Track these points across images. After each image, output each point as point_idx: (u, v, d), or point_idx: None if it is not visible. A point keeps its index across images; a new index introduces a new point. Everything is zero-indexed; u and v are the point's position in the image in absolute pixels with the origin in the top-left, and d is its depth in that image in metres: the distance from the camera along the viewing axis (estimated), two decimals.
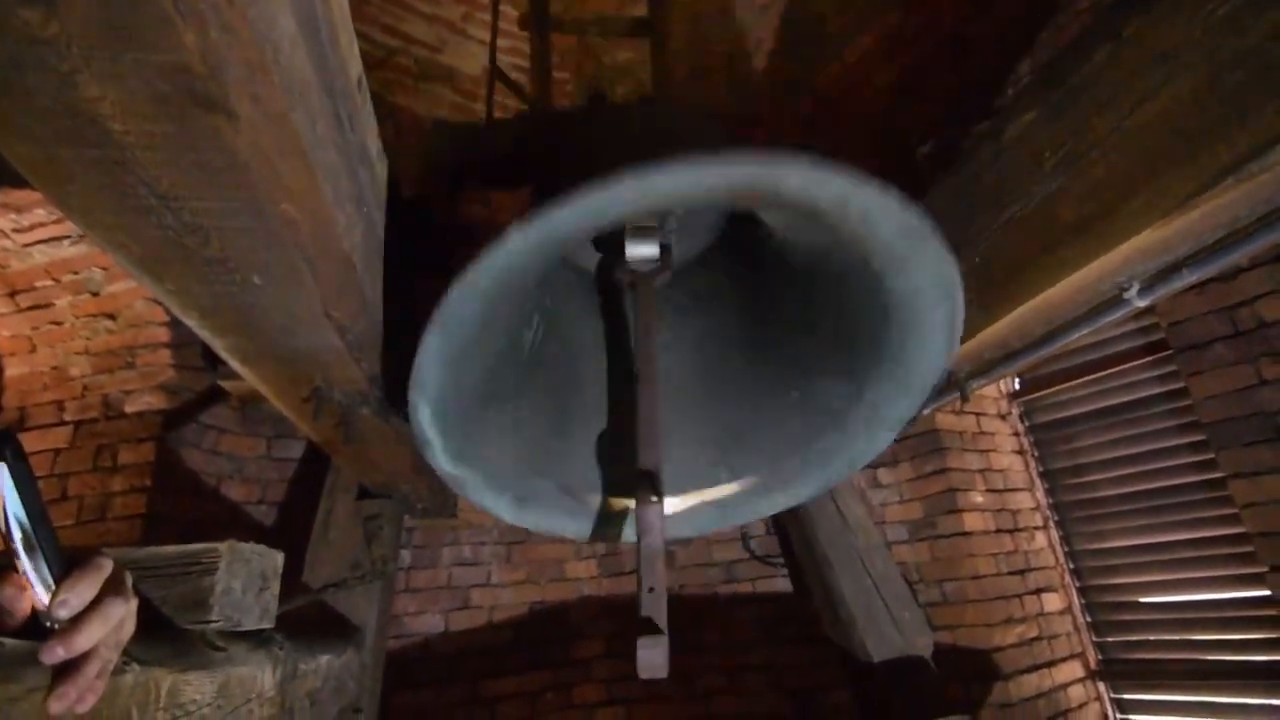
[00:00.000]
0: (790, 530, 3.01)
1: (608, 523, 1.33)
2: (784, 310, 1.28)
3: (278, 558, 1.07)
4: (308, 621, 2.12)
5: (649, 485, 0.99)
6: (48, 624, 0.60)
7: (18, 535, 0.57)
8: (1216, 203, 0.93)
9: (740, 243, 1.33)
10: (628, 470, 1.05)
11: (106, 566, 0.65)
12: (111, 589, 0.64)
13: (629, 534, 1.19)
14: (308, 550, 2.40)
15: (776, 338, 1.32)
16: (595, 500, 1.34)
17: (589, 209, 0.82)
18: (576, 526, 1.33)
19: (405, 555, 3.25)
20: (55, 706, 0.59)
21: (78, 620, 0.61)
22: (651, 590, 0.84)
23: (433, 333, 0.92)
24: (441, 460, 1.13)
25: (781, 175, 0.83)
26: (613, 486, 1.33)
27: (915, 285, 0.96)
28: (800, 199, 0.86)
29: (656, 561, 0.89)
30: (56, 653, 0.59)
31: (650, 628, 0.80)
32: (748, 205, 1.15)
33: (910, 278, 0.96)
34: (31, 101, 0.59)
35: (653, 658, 0.79)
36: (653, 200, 0.91)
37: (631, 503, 1.15)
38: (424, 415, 1.04)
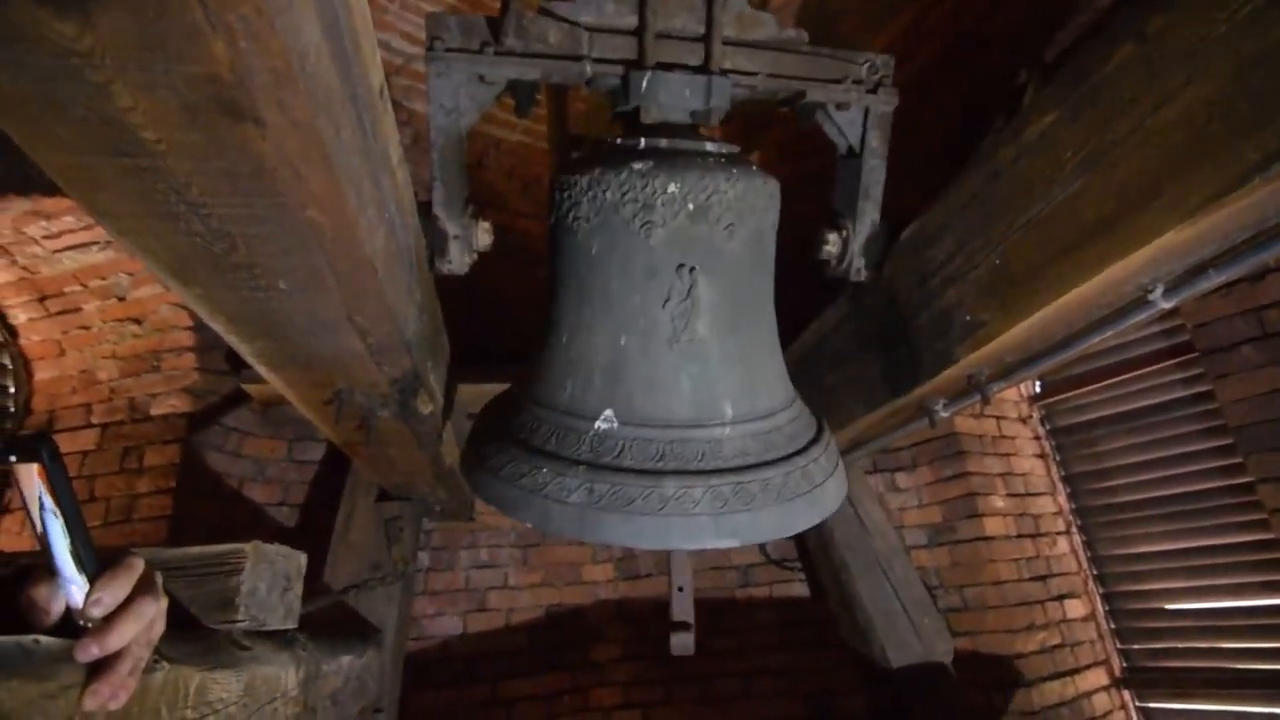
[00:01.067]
0: (808, 534, 3.00)
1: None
2: None
3: (301, 559, 1.08)
4: (329, 622, 2.14)
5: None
6: (81, 623, 0.61)
7: (55, 535, 0.58)
8: (1243, 203, 0.91)
9: None
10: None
11: (138, 566, 0.65)
12: (143, 588, 0.65)
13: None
14: (329, 551, 2.43)
15: None
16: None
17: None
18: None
19: (423, 557, 3.27)
20: (90, 703, 0.60)
21: (111, 619, 0.62)
22: (681, 590, 0.84)
23: None
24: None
25: None
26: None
27: None
28: None
29: (685, 562, 0.90)
30: (91, 650, 0.60)
31: (681, 626, 0.81)
32: None
33: None
34: (65, 112, 0.60)
35: (683, 641, 0.80)
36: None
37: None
38: None
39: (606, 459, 1.06)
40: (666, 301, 1.11)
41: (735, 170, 1.13)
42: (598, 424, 1.10)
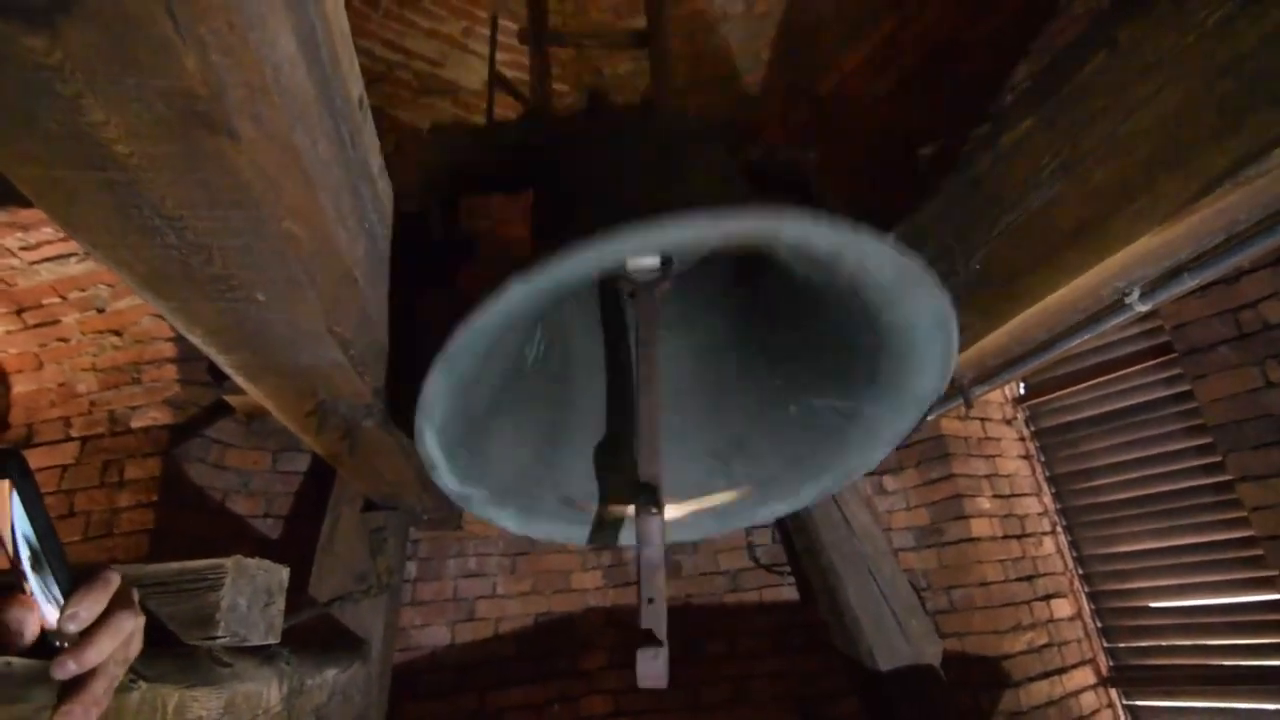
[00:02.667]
0: (796, 538, 3.00)
1: (609, 528, 1.33)
2: (782, 326, 1.29)
3: (283, 573, 1.07)
4: (314, 635, 2.11)
5: (649, 497, 0.99)
6: (57, 643, 0.60)
7: (25, 554, 0.57)
8: (1215, 207, 0.93)
9: (741, 261, 1.33)
10: (628, 479, 1.06)
11: (114, 580, 0.64)
12: (120, 603, 0.64)
13: (628, 537, 1.19)
14: (313, 563, 2.40)
15: (774, 353, 1.32)
16: (597, 507, 1.34)
17: (590, 259, 0.84)
18: (580, 533, 1.33)
19: (411, 567, 3.25)
20: None
21: (88, 634, 0.60)
22: (651, 601, 0.84)
23: (438, 369, 0.93)
24: (448, 480, 1.14)
25: (780, 228, 0.85)
26: (614, 493, 1.33)
27: (911, 320, 0.98)
28: (799, 247, 0.88)
29: (656, 573, 0.89)
30: (68, 667, 0.59)
31: (650, 639, 0.80)
32: (748, 248, 1.17)
33: (906, 313, 0.97)
34: (36, 126, 0.60)
35: (653, 668, 0.79)
36: (652, 248, 0.92)
37: (631, 508, 1.15)
38: (429, 440, 1.05)
39: None
40: None
41: None
42: None
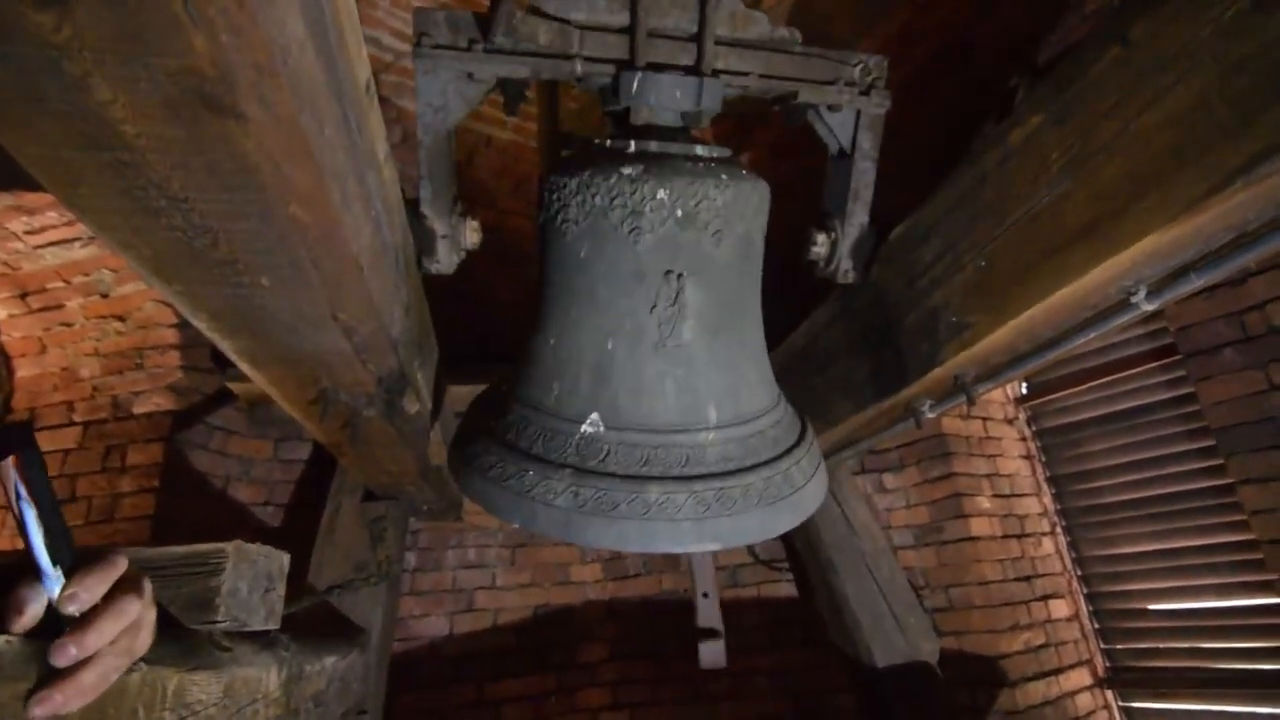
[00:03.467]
0: (795, 534, 3.00)
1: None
2: None
3: (283, 559, 1.07)
4: (313, 623, 2.12)
5: None
6: (62, 625, 0.58)
7: (30, 529, 0.57)
8: (1225, 206, 0.92)
9: None
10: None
11: (120, 563, 0.62)
12: (126, 588, 0.62)
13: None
14: (313, 552, 2.41)
15: None
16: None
17: None
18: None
19: (410, 558, 3.26)
20: (38, 711, 0.56)
21: (89, 617, 0.59)
22: (706, 596, 0.84)
23: None
24: None
25: None
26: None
27: None
28: None
29: (707, 569, 0.90)
30: (68, 651, 0.57)
31: (710, 634, 0.81)
32: None
33: None
34: (44, 105, 0.59)
35: (713, 654, 0.80)
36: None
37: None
38: None
39: (592, 463, 1.07)
40: (653, 307, 1.11)
41: (724, 176, 1.13)
42: (584, 427, 1.10)
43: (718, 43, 1.24)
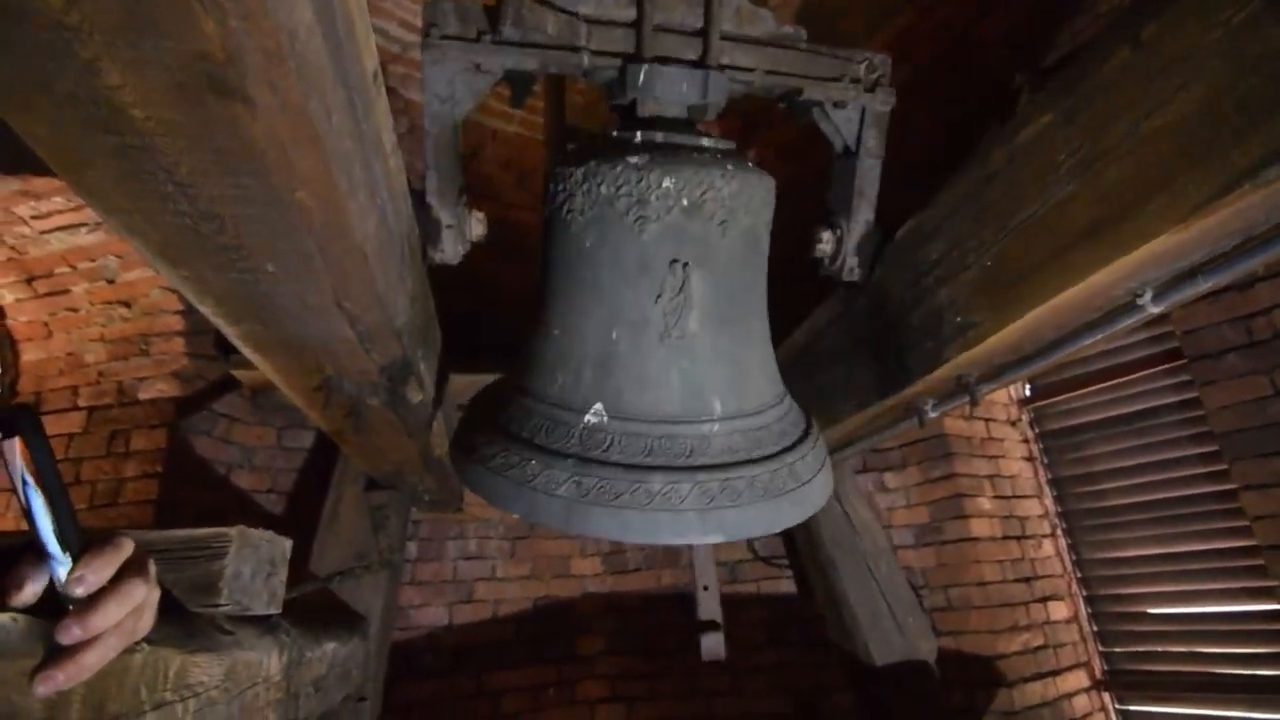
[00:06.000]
0: (796, 532, 3.01)
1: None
2: None
3: (285, 544, 1.08)
4: (314, 609, 2.13)
5: None
6: (70, 606, 0.59)
7: (37, 510, 0.57)
8: (1233, 208, 0.92)
9: None
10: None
11: (127, 546, 0.62)
12: (132, 571, 0.62)
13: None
14: (315, 539, 2.42)
15: None
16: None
17: None
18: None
19: (411, 548, 3.27)
20: (41, 689, 0.57)
21: (95, 599, 0.59)
22: (706, 589, 0.85)
23: None
24: None
25: None
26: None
27: None
28: None
29: (708, 563, 0.90)
30: (73, 632, 0.57)
31: (711, 626, 0.82)
32: None
33: None
34: (53, 88, 0.60)
35: (714, 646, 0.80)
36: None
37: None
38: None
39: (595, 453, 1.06)
40: (659, 297, 1.11)
41: (731, 166, 1.13)
42: (587, 418, 1.10)
43: (723, 38, 1.24)
